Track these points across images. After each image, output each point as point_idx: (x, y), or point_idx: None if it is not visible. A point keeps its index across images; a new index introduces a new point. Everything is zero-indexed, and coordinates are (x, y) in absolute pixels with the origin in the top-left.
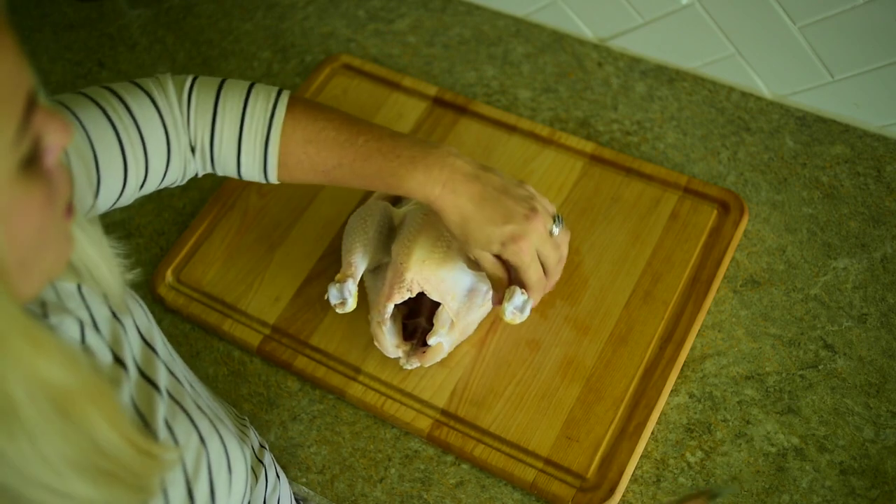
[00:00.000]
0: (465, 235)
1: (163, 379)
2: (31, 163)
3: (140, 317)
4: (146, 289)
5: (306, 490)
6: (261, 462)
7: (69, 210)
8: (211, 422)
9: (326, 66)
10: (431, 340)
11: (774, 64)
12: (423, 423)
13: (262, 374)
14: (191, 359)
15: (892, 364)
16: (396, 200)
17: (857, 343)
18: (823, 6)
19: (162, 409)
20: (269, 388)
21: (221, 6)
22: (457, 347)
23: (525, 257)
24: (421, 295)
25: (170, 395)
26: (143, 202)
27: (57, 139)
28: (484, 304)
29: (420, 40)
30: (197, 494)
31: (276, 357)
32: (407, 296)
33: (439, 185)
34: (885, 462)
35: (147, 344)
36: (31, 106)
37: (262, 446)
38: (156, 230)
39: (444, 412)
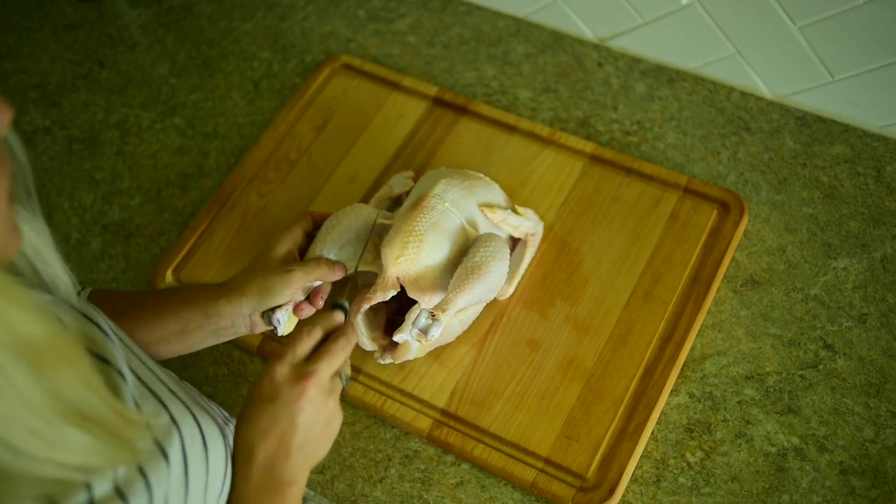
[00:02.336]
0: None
1: (123, 363)
2: None
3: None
4: (147, 289)
5: (306, 490)
6: None
7: (9, 197)
8: (185, 404)
9: (326, 66)
10: (397, 337)
11: (774, 64)
12: (423, 423)
13: None
14: (191, 359)
15: (892, 364)
16: (395, 205)
17: (857, 343)
18: (823, 6)
19: (126, 389)
20: None
21: (221, 6)
22: (457, 348)
23: None
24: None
25: (137, 378)
26: (144, 202)
27: (1, 118)
28: (466, 311)
29: (420, 40)
30: (172, 463)
31: None
32: (381, 297)
33: None
34: (885, 462)
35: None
36: None
37: None
38: (156, 230)
39: (444, 412)
